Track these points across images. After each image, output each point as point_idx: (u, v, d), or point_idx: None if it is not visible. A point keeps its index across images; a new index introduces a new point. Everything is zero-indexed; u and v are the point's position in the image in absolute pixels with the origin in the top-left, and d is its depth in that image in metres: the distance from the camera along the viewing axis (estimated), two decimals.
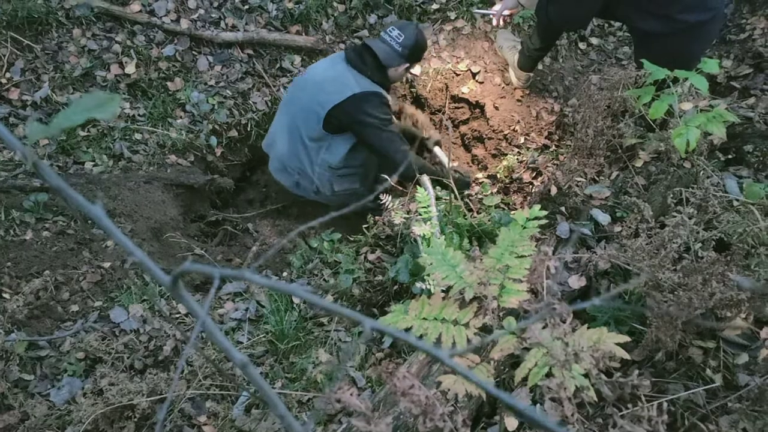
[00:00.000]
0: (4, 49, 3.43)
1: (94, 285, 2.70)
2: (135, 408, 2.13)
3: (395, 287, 2.64)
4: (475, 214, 2.99)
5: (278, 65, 4.01)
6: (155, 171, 3.42)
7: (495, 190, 3.40)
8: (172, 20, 3.81)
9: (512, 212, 2.94)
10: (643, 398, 1.60)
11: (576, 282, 2.19)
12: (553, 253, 1.77)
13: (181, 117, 3.67)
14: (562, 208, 2.54)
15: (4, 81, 3.39)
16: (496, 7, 3.34)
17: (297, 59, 4.04)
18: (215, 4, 3.98)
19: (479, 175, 3.73)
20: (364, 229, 2.93)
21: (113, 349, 2.39)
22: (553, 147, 3.59)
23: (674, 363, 1.91)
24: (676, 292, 1.79)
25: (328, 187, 3.32)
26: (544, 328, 1.33)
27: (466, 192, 3.32)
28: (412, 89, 4.09)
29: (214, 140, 3.71)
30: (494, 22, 3.39)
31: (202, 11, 3.90)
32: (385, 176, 3.25)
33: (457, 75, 4.02)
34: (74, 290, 2.67)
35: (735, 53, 3.68)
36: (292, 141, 3.24)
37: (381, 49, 3.07)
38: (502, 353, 1.45)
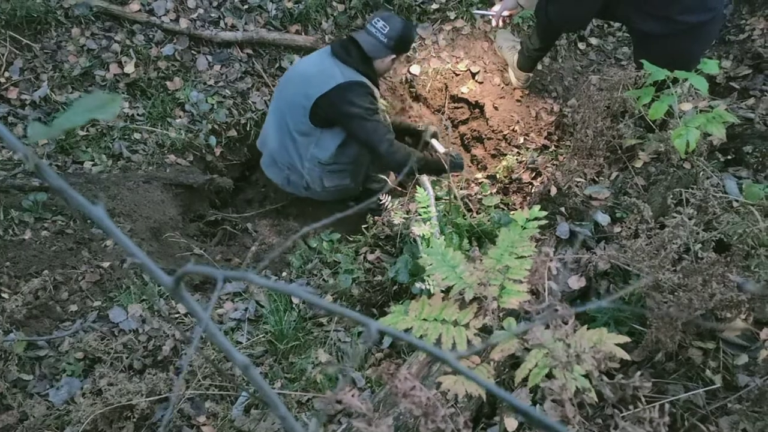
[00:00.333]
0: (3, 48, 3.42)
1: (93, 285, 2.70)
2: (134, 408, 2.13)
3: (394, 287, 2.64)
4: (474, 215, 2.99)
5: (278, 65, 4.01)
6: (154, 171, 3.42)
7: (494, 190, 3.40)
8: (171, 20, 3.80)
9: (512, 213, 2.94)
10: (644, 399, 1.60)
11: (576, 282, 2.19)
12: (554, 254, 1.77)
13: (180, 116, 3.66)
14: (562, 209, 2.54)
15: (2, 80, 3.38)
16: (496, 8, 3.34)
17: (296, 59, 4.02)
18: (214, 4, 3.98)
19: (479, 175, 3.73)
20: (364, 230, 2.93)
21: (112, 349, 2.39)
22: (553, 147, 3.59)
23: (674, 364, 1.91)
24: (676, 293, 1.79)
25: (318, 183, 3.32)
26: (546, 329, 1.33)
27: (464, 191, 3.32)
28: (411, 89, 4.09)
29: (213, 140, 3.70)
30: (494, 23, 3.39)
31: (201, 11, 3.90)
32: (383, 176, 3.26)
33: (457, 75, 4.02)
34: (73, 290, 2.66)
35: (734, 54, 3.69)
36: (282, 136, 3.25)
37: (366, 41, 3.08)
38: (503, 354, 1.45)
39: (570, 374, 1.26)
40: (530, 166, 3.41)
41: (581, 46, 4.14)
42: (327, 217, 0.76)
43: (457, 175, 3.58)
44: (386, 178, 3.30)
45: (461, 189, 3.34)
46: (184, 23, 3.80)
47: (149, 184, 3.30)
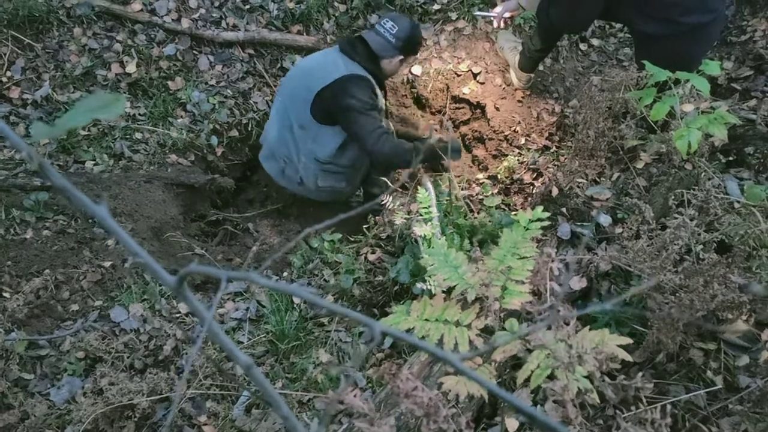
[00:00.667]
0: (5, 47, 3.43)
1: (94, 284, 2.70)
2: (135, 408, 2.13)
3: (396, 288, 2.64)
4: (475, 215, 2.98)
5: (279, 65, 4.01)
6: (156, 170, 3.42)
7: (496, 190, 3.40)
8: (173, 19, 3.80)
9: (513, 213, 2.94)
10: (645, 400, 1.60)
11: (577, 283, 2.19)
12: (555, 255, 1.77)
13: (181, 116, 3.67)
14: (563, 210, 2.54)
15: (4, 80, 3.39)
16: (497, 9, 3.34)
17: (298, 59, 4.03)
18: (216, 4, 3.98)
19: (480, 175, 3.73)
20: (365, 230, 2.92)
21: (113, 348, 2.39)
22: (554, 148, 3.59)
23: (675, 365, 1.90)
24: (677, 294, 1.79)
25: (312, 180, 3.31)
26: (548, 329, 1.33)
27: (465, 192, 3.32)
28: (413, 90, 4.09)
29: (214, 140, 3.71)
30: (495, 24, 3.40)
31: (203, 11, 3.90)
32: (384, 179, 3.25)
33: (458, 76, 4.02)
34: (74, 289, 2.66)
35: (736, 55, 3.68)
36: (282, 127, 3.25)
37: (374, 40, 3.09)
38: (505, 355, 1.45)
39: (572, 375, 1.26)
40: (531, 166, 3.41)
41: (583, 47, 4.14)
42: (328, 217, 0.75)
43: (457, 165, 3.58)
44: (387, 181, 3.30)
45: (463, 189, 3.34)
46: (185, 23, 3.81)
47: (150, 183, 3.30)
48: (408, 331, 1.62)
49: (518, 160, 3.55)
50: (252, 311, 2.66)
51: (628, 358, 1.41)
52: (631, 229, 2.11)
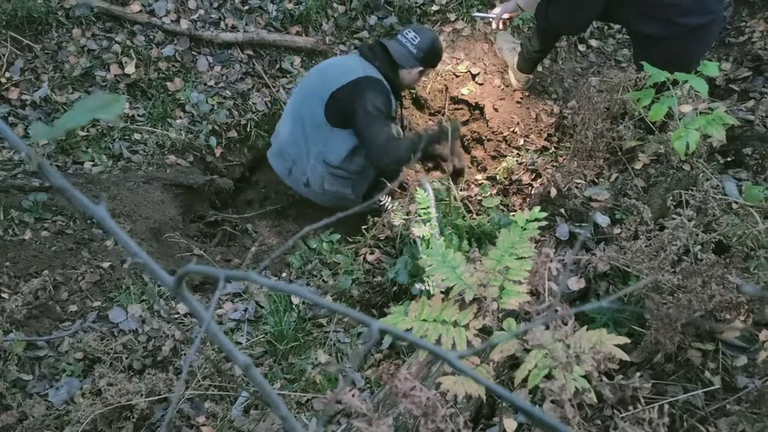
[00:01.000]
0: (4, 48, 3.43)
1: (92, 285, 2.70)
2: (133, 408, 2.13)
3: (394, 288, 2.64)
4: (474, 216, 2.99)
5: (278, 66, 4.02)
6: (154, 171, 3.42)
7: (494, 191, 3.40)
8: (172, 20, 3.81)
9: (512, 214, 2.95)
10: (643, 400, 1.61)
11: (575, 284, 2.19)
12: (553, 255, 1.77)
13: (180, 117, 3.67)
14: (562, 210, 2.55)
15: (3, 80, 3.39)
16: (496, 11, 3.35)
17: (297, 60, 4.04)
18: (215, 5, 3.98)
19: (479, 176, 3.74)
20: (364, 230, 2.93)
21: (112, 349, 2.39)
22: (553, 149, 3.59)
23: (673, 365, 1.91)
24: (675, 294, 1.80)
25: (318, 183, 3.29)
26: (545, 329, 1.33)
27: (464, 192, 3.33)
28: (411, 90, 4.09)
29: (213, 141, 3.71)
30: (494, 26, 3.40)
31: (202, 12, 3.91)
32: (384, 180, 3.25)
33: (457, 76, 4.03)
34: (73, 290, 2.66)
35: (734, 56, 3.69)
36: (295, 126, 3.23)
37: (395, 48, 3.11)
38: (502, 355, 1.45)
39: (569, 375, 1.26)
40: (530, 167, 3.41)
41: (581, 48, 4.15)
42: (327, 218, 0.76)
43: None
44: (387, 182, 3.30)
45: (461, 190, 3.35)
46: (184, 24, 3.81)
47: (149, 184, 3.30)
48: (406, 331, 1.62)
49: (517, 160, 3.55)
50: (250, 312, 2.66)
51: (626, 358, 1.41)
52: (629, 229, 2.11)
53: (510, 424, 1.74)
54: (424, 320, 1.69)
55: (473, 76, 4.00)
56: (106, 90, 3.52)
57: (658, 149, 2.59)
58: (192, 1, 3.91)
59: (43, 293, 2.57)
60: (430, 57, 3.17)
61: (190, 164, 3.63)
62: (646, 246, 1.95)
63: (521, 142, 3.73)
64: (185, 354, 2.43)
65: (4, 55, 3.42)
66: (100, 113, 0.65)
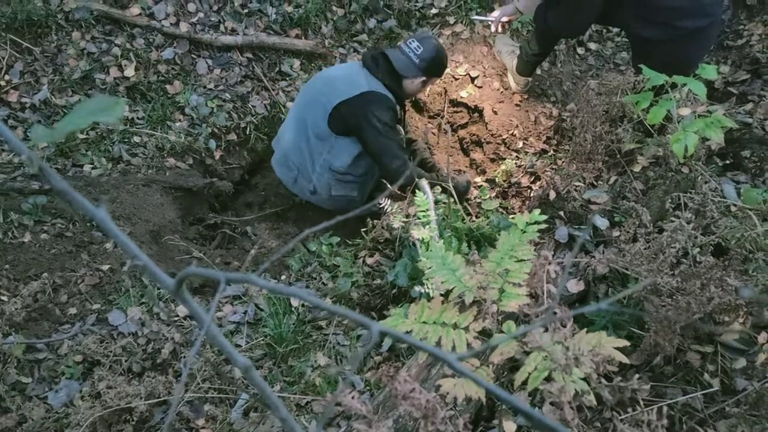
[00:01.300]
0: (3, 51, 3.43)
1: (92, 288, 2.70)
2: (133, 411, 2.13)
3: (393, 291, 2.64)
4: (473, 218, 2.99)
5: (277, 69, 4.02)
6: (154, 174, 3.42)
7: (493, 194, 3.40)
8: (171, 23, 3.81)
9: (511, 216, 2.95)
10: (642, 402, 1.61)
11: (574, 286, 2.20)
12: (552, 258, 1.78)
13: (180, 120, 3.67)
14: (561, 213, 2.55)
15: (3, 83, 3.39)
16: (495, 14, 3.36)
17: (296, 63, 4.04)
18: (215, 8, 3.99)
19: (478, 179, 3.74)
20: (363, 233, 2.93)
21: (111, 352, 2.39)
22: (552, 151, 3.60)
23: (672, 367, 1.91)
24: (674, 297, 1.80)
25: (325, 190, 3.31)
26: (545, 332, 1.33)
27: (465, 196, 3.33)
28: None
29: (213, 143, 3.71)
30: (492, 29, 3.41)
31: (201, 15, 3.91)
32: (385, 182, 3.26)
33: (456, 79, 4.04)
34: (72, 293, 2.66)
35: (733, 59, 3.70)
36: (298, 135, 3.23)
37: (397, 58, 3.09)
38: (502, 357, 1.46)
39: (569, 377, 1.26)
40: (529, 170, 3.42)
41: (580, 51, 4.16)
42: (326, 221, 0.76)
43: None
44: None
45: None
46: (184, 27, 3.81)
47: (149, 187, 3.31)
48: (406, 333, 1.62)
49: (516, 163, 3.56)
50: (250, 315, 2.66)
51: (625, 360, 1.41)
52: (628, 232, 2.11)
53: (509, 426, 1.74)
54: (423, 322, 1.69)
55: (472, 79, 4.00)
56: (105, 93, 3.52)
57: (656, 152, 2.59)
58: (191, 4, 3.91)
59: (43, 296, 2.57)
60: (433, 67, 3.15)
61: (190, 167, 3.63)
62: (645, 248, 1.95)
63: (520, 144, 3.73)
64: (184, 357, 2.43)
65: (3, 58, 3.42)
66: (100, 116, 0.65)
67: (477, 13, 4.03)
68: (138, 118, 3.59)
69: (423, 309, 1.74)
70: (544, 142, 3.70)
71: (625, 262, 1.96)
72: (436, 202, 2.87)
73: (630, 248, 1.98)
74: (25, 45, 3.50)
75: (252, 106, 3.88)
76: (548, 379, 1.33)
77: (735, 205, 2.22)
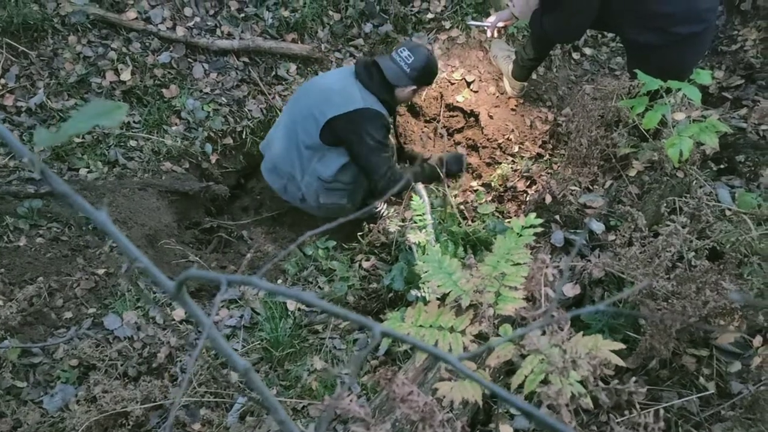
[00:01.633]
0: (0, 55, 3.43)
1: (88, 292, 2.70)
2: (128, 415, 2.12)
3: (390, 295, 2.64)
4: (469, 222, 3.00)
5: (274, 73, 4.03)
6: (150, 178, 3.42)
7: (489, 198, 3.41)
8: (167, 28, 3.81)
9: (507, 220, 2.96)
10: (638, 406, 1.61)
11: (570, 290, 2.21)
12: (549, 261, 1.78)
13: (176, 124, 3.67)
14: (557, 217, 2.56)
15: None
16: (491, 19, 3.37)
17: (293, 67, 4.05)
18: (211, 12, 3.99)
19: (474, 183, 3.75)
20: (359, 237, 2.93)
21: (107, 356, 2.39)
22: (547, 156, 3.61)
23: (668, 371, 1.92)
24: (669, 301, 1.81)
25: (314, 198, 3.31)
26: (542, 335, 1.34)
27: (459, 199, 3.34)
28: None
29: (209, 147, 3.71)
30: (489, 34, 3.42)
31: (198, 19, 3.92)
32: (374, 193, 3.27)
33: (452, 84, 4.05)
34: (68, 297, 2.66)
35: (727, 64, 3.72)
36: (289, 144, 3.23)
37: (389, 68, 3.09)
38: (499, 360, 1.46)
39: (566, 380, 1.27)
40: (525, 174, 3.43)
41: (575, 56, 4.18)
42: (324, 225, 0.76)
43: (457, 178, 3.61)
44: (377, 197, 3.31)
45: (456, 197, 3.36)
46: (180, 31, 3.82)
47: (145, 191, 3.30)
48: None
49: (512, 167, 3.57)
50: (246, 319, 2.65)
51: (621, 363, 1.42)
52: (623, 236, 2.12)
53: (506, 430, 1.74)
54: (420, 326, 1.70)
55: (468, 84, 4.02)
56: (101, 97, 3.52)
57: (651, 156, 2.61)
58: (188, 9, 3.92)
59: (38, 300, 2.57)
60: (423, 76, 3.15)
61: (186, 171, 3.63)
62: (640, 252, 1.96)
63: (516, 149, 3.74)
64: (181, 361, 2.43)
65: None
66: (102, 120, 0.65)
67: (473, 18, 4.04)
68: (134, 122, 3.59)
69: (419, 313, 1.75)
70: (540, 147, 3.72)
71: (620, 265, 1.97)
72: (433, 206, 2.88)
73: (625, 252, 1.99)
74: (21, 49, 3.50)
75: (248, 110, 3.88)
76: (545, 382, 1.34)
77: (730, 209, 2.24)
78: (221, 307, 2.74)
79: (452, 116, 4.14)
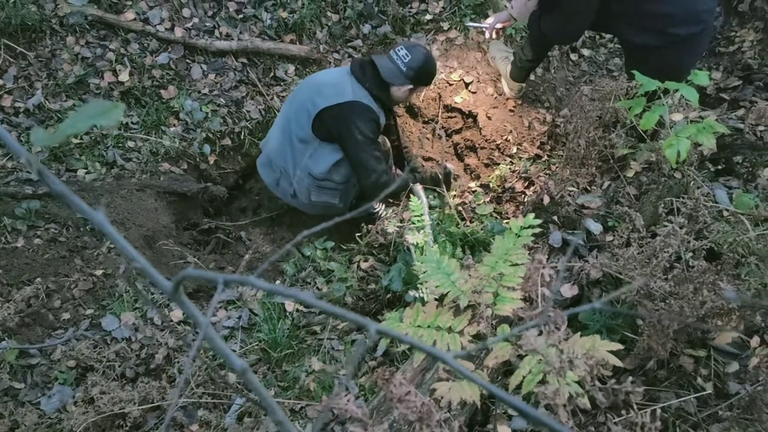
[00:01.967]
0: None
1: (85, 293, 2.69)
2: (126, 416, 2.12)
3: (388, 296, 2.64)
4: (468, 223, 3.00)
5: (272, 74, 4.03)
6: (148, 179, 3.41)
7: (487, 199, 3.41)
8: (166, 29, 3.81)
9: (505, 221, 2.96)
10: (635, 406, 1.62)
11: (568, 291, 2.21)
12: (547, 262, 1.78)
13: (174, 125, 3.67)
14: (555, 218, 2.56)
15: None
16: (489, 20, 3.37)
17: (291, 68, 4.05)
18: (209, 13, 3.99)
19: (472, 184, 3.75)
20: (357, 238, 2.93)
21: (104, 357, 2.38)
22: (546, 157, 3.61)
23: (665, 371, 1.92)
24: (667, 301, 1.81)
25: (305, 195, 3.30)
26: (539, 335, 1.34)
27: (457, 200, 3.34)
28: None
29: (207, 148, 3.71)
30: (487, 35, 3.42)
31: (196, 20, 3.92)
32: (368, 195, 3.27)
33: (450, 85, 4.05)
34: (66, 298, 2.66)
35: (724, 65, 3.73)
36: (283, 138, 3.24)
37: (385, 66, 3.08)
38: (497, 360, 1.46)
39: (563, 380, 1.27)
40: (523, 175, 3.43)
41: (573, 57, 4.18)
42: (322, 224, 0.76)
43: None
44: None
45: (454, 198, 3.36)
46: (179, 32, 3.82)
47: (143, 192, 3.30)
48: None
49: (510, 168, 3.57)
50: (244, 319, 2.65)
51: (619, 363, 1.42)
52: (621, 237, 2.12)
53: (504, 430, 1.74)
54: (418, 326, 1.70)
55: (466, 85, 4.02)
56: (99, 98, 3.51)
57: (649, 157, 2.61)
58: (186, 10, 3.92)
59: (36, 301, 2.56)
60: (420, 76, 3.13)
61: (184, 172, 3.63)
62: (638, 253, 1.96)
63: (514, 150, 3.75)
64: (178, 362, 2.42)
65: None
66: (100, 120, 0.65)
67: (471, 20, 4.04)
68: (132, 122, 3.59)
69: (418, 313, 1.75)
70: (538, 148, 3.72)
71: (618, 266, 1.97)
72: (431, 207, 2.88)
73: (623, 253, 1.99)
74: (19, 50, 3.49)
75: (246, 111, 3.88)
76: (542, 382, 1.34)
77: (727, 210, 2.24)
78: (219, 308, 2.74)
79: (450, 117, 4.15)
